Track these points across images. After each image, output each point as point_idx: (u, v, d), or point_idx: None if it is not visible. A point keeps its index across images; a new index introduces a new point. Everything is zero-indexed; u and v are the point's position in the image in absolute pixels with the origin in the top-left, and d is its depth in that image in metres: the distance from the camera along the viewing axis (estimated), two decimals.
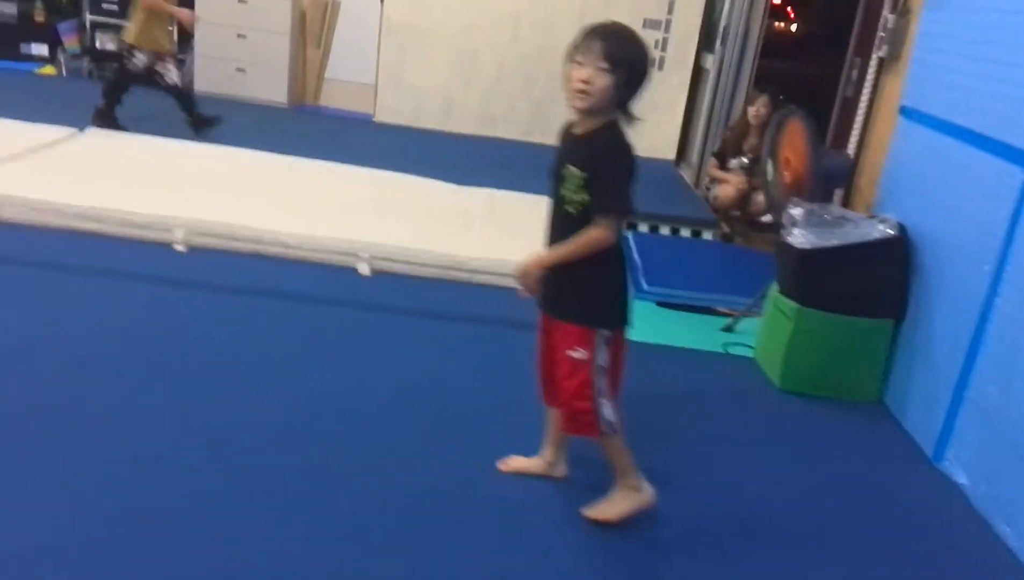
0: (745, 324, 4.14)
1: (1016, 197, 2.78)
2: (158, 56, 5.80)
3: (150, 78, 5.84)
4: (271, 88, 7.85)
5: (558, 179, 2.35)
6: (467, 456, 2.76)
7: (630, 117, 2.31)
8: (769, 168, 3.92)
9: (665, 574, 2.36)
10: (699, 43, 7.41)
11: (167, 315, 3.50)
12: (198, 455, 2.58)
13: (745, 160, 5.62)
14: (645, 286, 4.44)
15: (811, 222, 3.47)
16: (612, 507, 2.47)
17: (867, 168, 4.01)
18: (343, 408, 2.97)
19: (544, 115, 7.56)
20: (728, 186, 5.71)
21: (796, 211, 3.52)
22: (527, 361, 2.64)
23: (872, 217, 3.50)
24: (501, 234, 4.71)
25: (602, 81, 2.22)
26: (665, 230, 5.78)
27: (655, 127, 7.66)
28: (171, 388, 2.94)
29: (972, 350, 2.91)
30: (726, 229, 5.87)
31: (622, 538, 2.43)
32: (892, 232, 3.38)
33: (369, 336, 3.59)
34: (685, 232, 5.81)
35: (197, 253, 4.17)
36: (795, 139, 3.84)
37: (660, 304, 4.36)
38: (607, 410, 2.38)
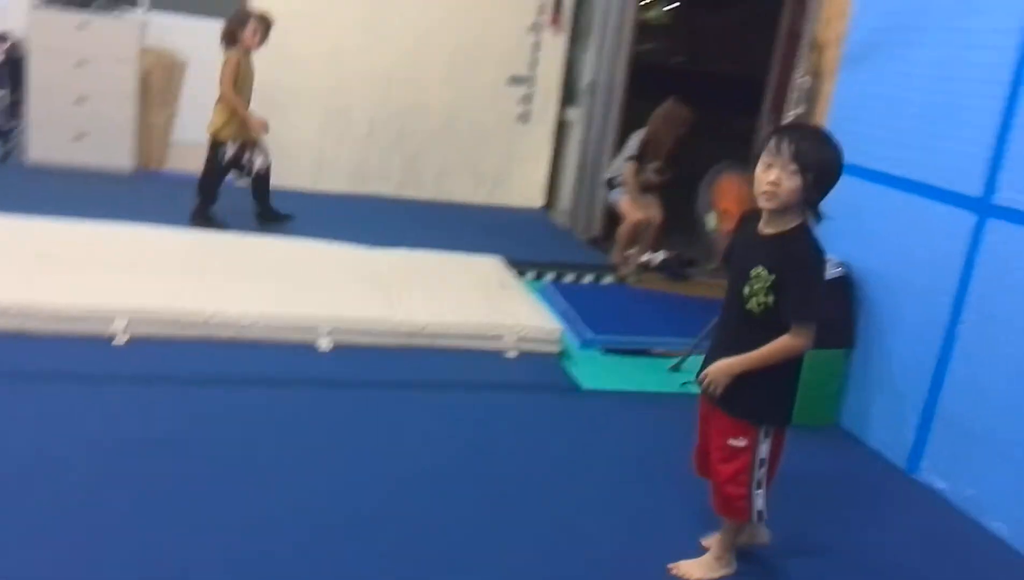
0: (690, 363, 4.44)
1: (969, 238, 3.25)
2: (244, 145, 5.78)
3: (237, 168, 5.88)
4: (114, 153, 7.35)
5: (742, 277, 2.41)
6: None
7: (818, 217, 2.41)
8: (710, 220, 4.26)
9: None
10: (561, 98, 7.81)
11: (141, 421, 3.26)
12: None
13: (656, 164, 6.18)
14: (591, 335, 4.63)
15: None
16: (702, 568, 2.62)
17: None
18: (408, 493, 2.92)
19: (416, 170, 7.67)
20: (638, 212, 6.05)
21: None
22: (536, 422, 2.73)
23: (828, 260, 3.90)
24: (444, 295, 4.74)
25: (791, 184, 2.30)
26: (570, 278, 6.04)
27: (522, 177, 7.99)
28: (180, 502, 2.74)
29: (939, 370, 3.35)
30: (621, 271, 6.23)
31: None
32: (839, 271, 3.79)
33: (372, 414, 3.53)
34: (588, 277, 6.10)
35: (139, 344, 3.88)
36: (733, 191, 4.20)
37: (606, 351, 4.59)
38: (760, 500, 2.52)
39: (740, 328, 2.43)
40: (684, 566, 2.64)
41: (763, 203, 2.37)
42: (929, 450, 3.38)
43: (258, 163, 5.87)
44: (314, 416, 3.43)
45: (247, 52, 5.71)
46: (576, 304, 5.04)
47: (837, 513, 3.12)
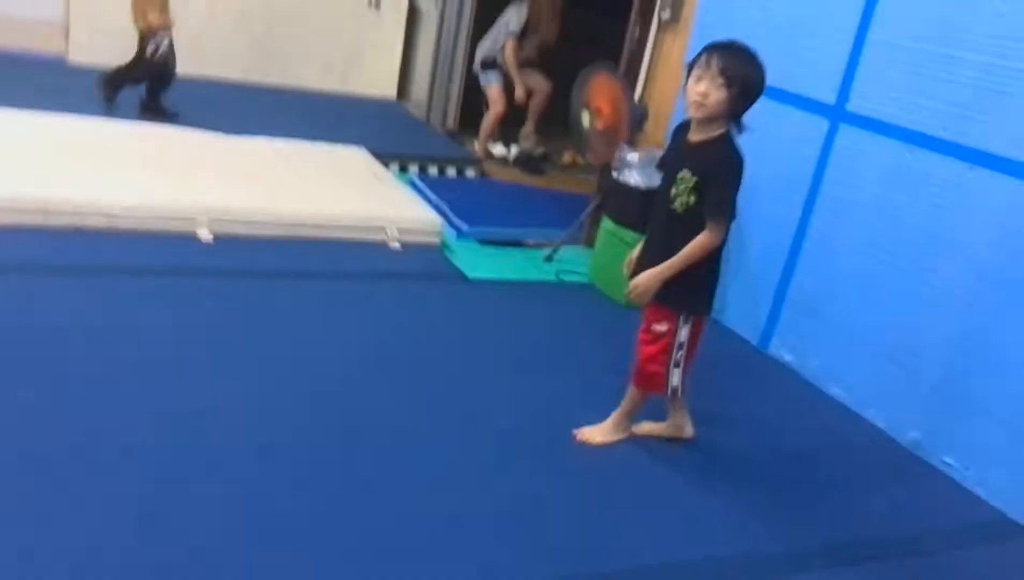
0: (562, 253, 4.72)
1: (822, 141, 3.65)
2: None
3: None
4: None
5: (669, 179, 2.64)
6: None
7: (741, 128, 2.62)
8: (584, 117, 4.47)
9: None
10: None
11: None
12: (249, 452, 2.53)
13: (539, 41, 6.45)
14: (465, 228, 4.80)
15: (643, 165, 4.11)
16: (663, 427, 3.02)
17: (653, 116, 4.73)
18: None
19: (263, 54, 7.35)
20: (501, 104, 6.36)
21: (631, 156, 4.14)
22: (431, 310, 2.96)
23: None
24: (321, 186, 4.73)
25: (718, 95, 2.52)
26: (433, 170, 6.12)
27: (374, 65, 7.84)
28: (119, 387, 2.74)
29: (791, 258, 3.79)
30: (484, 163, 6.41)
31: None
32: None
33: (269, 304, 3.56)
34: (451, 171, 6.21)
35: (7, 233, 3.66)
36: (606, 90, 4.42)
37: (481, 242, 4.78)
38: (676, 378, 2.82)
39: (668, 227, 2.69)
40: (586, 431, 2.94)
41: (692, 112, 2.60)
42: (779, 328, 3.86)
43: (166, 54, 5.63)
44: (210, 307, 3.42)
45: None
46: (446, 197, 5.17)
47: (706, 384, 3.51)
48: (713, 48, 2.57)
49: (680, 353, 2.82)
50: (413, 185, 5.44)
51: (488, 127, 6.58)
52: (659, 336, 2.80)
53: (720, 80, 2.52)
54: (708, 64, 2.54)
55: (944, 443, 3.14)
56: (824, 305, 3.65)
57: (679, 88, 4.47)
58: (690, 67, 2.61)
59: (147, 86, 5.72)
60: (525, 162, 6.76)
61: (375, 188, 4.94)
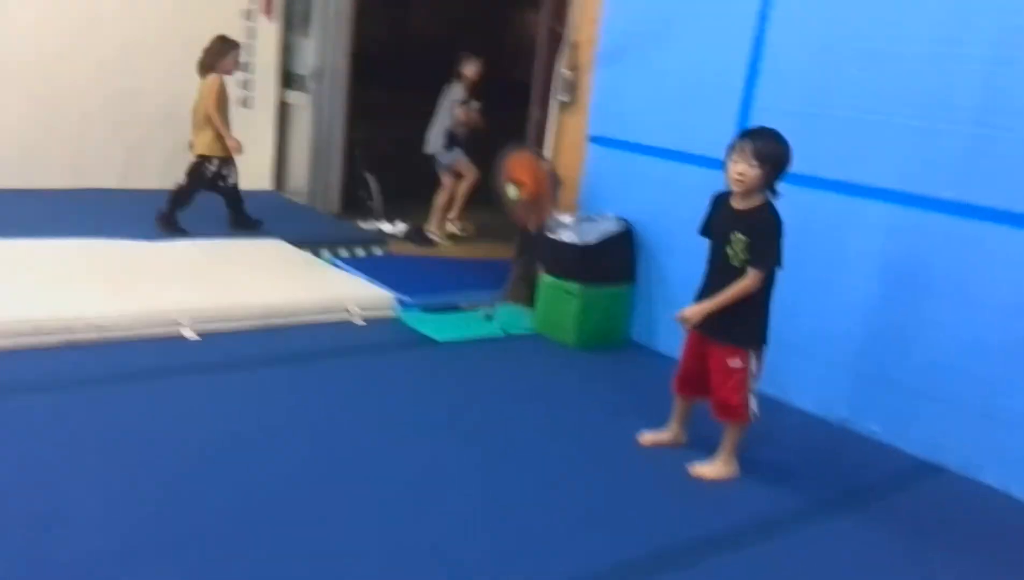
0: (499, 312, 5.27)
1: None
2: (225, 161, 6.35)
3: (213, 183, 6.36)
4: None
5: (724, 240, 3.26)
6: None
7: (776, 193, 3.25)
8: (511, 190, 5.08)
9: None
10: (280, 82, 8.05)
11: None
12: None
13: (476, 103, 7.16)
14: (408, 300, 5.24)
15: (576, 225, 4.78)
16: (716, 470, 3.45)
17: (563, 184, 5.43)
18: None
19: (141, 160, 7.46)
20: (473, 172, 7.09)
21: (565, 219, 4.81)
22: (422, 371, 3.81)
23: (605, 216, 4.93)
24: (268, 278, 5.04)
25: (753, 173, 3.16)
26: (345, 253, 6.50)
27: (249, 161, 8.07)
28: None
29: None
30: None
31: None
32: (622, 227, 4.86)
33: (273, 389, 3.89)
34: (360, 251, 6.61)
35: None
36: (526, 165, 5.07)
37: (426, 309, 5.24)
38: (753, 404, 3.38)
39: (724, 276, 3.30)
40: (701, 469, 3.45)
41: (735, 188, 3.24)
42: None
43: (232, 177, 6.46)
44: (216, 399, 3.71)
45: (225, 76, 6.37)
46: (373, 274, 5.59)
47: (657, 404, 4.15)
48: (745, 134, 3.24)
49: (754, 382, 3.40)
50: (337, 267, 5.82)
51: (461, 200, 7.34)
52: (734, 371, 3.35)
53: (754, 161, 3.16)
54: (743, 149, 3.17)
55: (868, 415, 3.97)
56: None
57: (581, 160, 5.25)
58: (728, 151, 3.24)
59: (232, 203, 6.53)
60: (414, 236, 7.29)
61: (314, 274, 5.31)
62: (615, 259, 4.86)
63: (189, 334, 4.25)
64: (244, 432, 3.38)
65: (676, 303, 4.71)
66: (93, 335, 4.00)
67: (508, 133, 5.73)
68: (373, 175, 7.94)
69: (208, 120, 6.23)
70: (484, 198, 7.29)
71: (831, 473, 3.58)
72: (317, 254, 6.29)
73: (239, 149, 6.37)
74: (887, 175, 3.87)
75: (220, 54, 6.29)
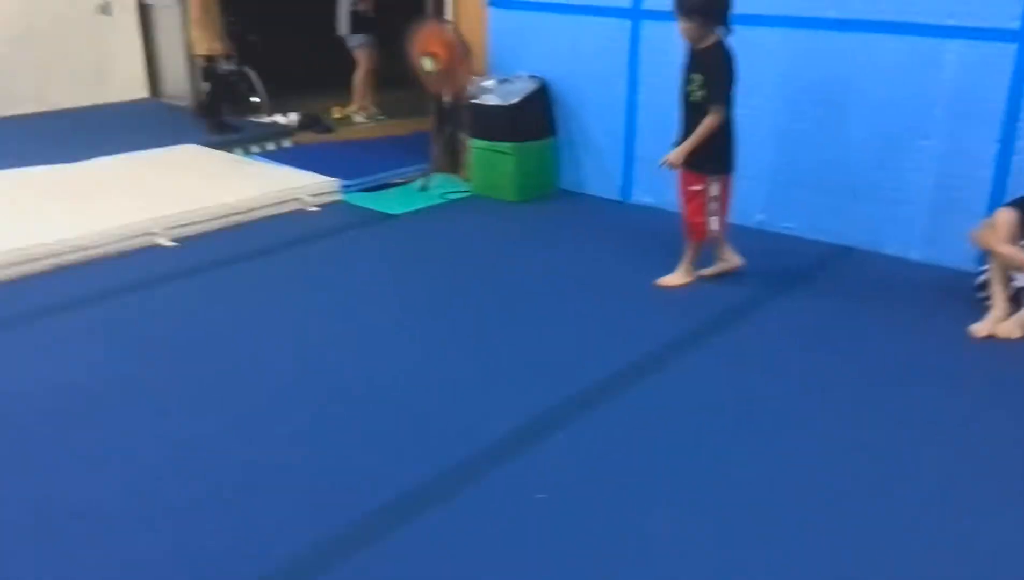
0: (432, 181, 5.62)
1: (630, 36, 4.91)
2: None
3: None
4: None
5: (686, 80, 3.68)
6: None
7: (728, 31, 3.64)
8: (427, 63, 5.33)
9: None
10: None
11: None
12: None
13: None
14: (346, 182, 5.49)
15: (498, 88, 5.14)
16: (676, 278, 4.02)
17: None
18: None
19: (5, 85, 7.12)
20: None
21: (487, 83, 5.16)
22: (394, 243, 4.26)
23: (519, 76, 5.29)
24: (211, 180, 5.16)
25: (688, 26, 3.60)
26: (256, 149, 6.57)
27: (120, 70, 7.82)
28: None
29: (629, 130, 5.08)
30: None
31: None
32: (538, 85, 5.25)
33: (261, 280, 4.20)
34: (270, 145, 6.69)
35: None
36: (437, 36, 5.33)
37: (362, 190, 5.52)
38: (713, 224, 3.90)
39: (689, 115, 3.76)
40: (664, 280, 4.02)
41: (687, 40, 3.70)
42: (636, 180, 5.17)
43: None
44: (216, 295, 3.99)
45: None
46: (299, 165, 5.78)
47: (599, 236, 4.72)
48: None
49: (714, 204, 3.90)
50: (263, 162, 5.96)
51: (360, 83, 7.49)
52: (695, 195, 3.89)
53: (684, 16, 3.65)
54: (676, 6, 3.65)
55: (782, 215, 4.67)
56: (659, 153, 4.97)
57: (483, 26, 5.53)
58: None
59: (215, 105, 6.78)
60: (311, 125, 7.38)
61: (255, 171, 5.45)
62: (538, 116, 5.27)
63: (165, 242, 4.42)
64: (267, 316, 3.70)
65: (598, 150, 5.28)
66: (79, 256, 4.12)
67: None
68: (252, 69, 7.89)
69: (195, 21, 6.61)
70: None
71: (763, 267, 4.25)
72: (231, 153, 6.37)
73: (221, 50, 6.75)
74: (778, 4, 4.43)
75: None
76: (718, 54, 3.71)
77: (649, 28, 4.89)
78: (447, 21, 5.52)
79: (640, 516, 2.40)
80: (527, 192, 5.29)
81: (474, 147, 5.39)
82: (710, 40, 3.71)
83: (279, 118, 7.48)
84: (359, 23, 7.37)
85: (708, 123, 3.71)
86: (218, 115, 6.78)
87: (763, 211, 4.73)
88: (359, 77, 7.51)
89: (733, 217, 4.82)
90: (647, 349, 3.42)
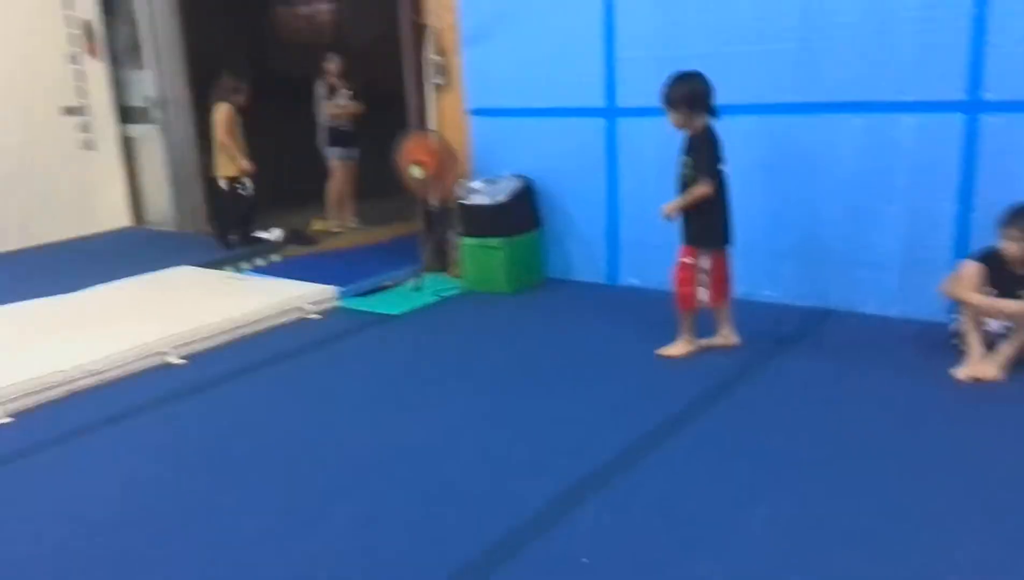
0: (424, 282, 5.83)
1: (605, 133, 5.25)
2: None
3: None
4: None
5: (681, 164, 4.01)
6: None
7: (716, 116, 3.99)
8: (415, 171, 5.61)
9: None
10: (119, 118, 8.01)
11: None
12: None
13: (346, 91, 7.60)
14: (343, 289, 5.67)
15: (485, 188, 5.43)
16: (677, 349, 4.25)
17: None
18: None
19: None
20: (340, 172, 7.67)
21: (475, 184, 5.44)
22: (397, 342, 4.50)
23: (503, 177, 5.59)
24: (211, 298, 5.33)
25: (676, 116, 3.96)
26: (247, 266, 6.75)
27: (103, 201, 8.02)
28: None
29: (612, 217, 5.37)
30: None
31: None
32: (523, 183, 5.55)
33: (274, 390, 4.33)
34: (260, 262, 6.88)
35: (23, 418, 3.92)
36: (423, 146, 5.63)
37: (357, 295, 5.70)
38: (702, 294, 4.14)
39: (683, 189, 4.07)
40: (666, 350, 4.24)
41: (677, 128, 4.03)
42: (622, 264, 5.42)
43: (248, 190, 7.30)
44: (235, 405, 4.10)
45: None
46: (293, 277, 5.95)
47: (593, 316, 4.94)
48: (663, 87, 4.01)
49: (703, 276, 4.15)
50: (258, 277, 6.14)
51: (332, 197, 7.95)
52: (686, 267, 4.14)
53: (671, 108, 3.99)
54: (663, 100, 4.00)
55: (762, 284, 4.93)
56: (645, 238, 5.25)
57: (464, 133, 5.86)
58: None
59: (241, 223, 7.31)
60: (295, 239, 7.61)
61: (252, 285, 5.62)
62: (524, 211, 5.55)
63: (175, 360, 4.53)
64: (287, 423, 3.82)
65: (583, 239, 5.56)
66: (92, 381, 4.21)
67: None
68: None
69: (222, 146, 7.13)
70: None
71: (752, 333, 4.46)
72: (223, 270, 6.55)
73: (249, 169, 7.20)
74: (741, 91, 4.77)
75: (232, 89, 7.16)
76: (703, 136, 4.06)
77: (624, 124, 5.23)
78: (431, 130, 5.84)
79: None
80: (518, 283, 5.52)
81: (465, 245, 5.64)
82: (698, 124, 4.04)
83: (263, 234, 7.72)
84: (336, 137, 7.74)
85: (697, 190, 4.03)
86: (239, 231, 7.26)
87: (745, 282, 4.99)
88: (332, 189, 7.82)
89: None
90: (659, 416, 3.60)
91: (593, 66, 5.25)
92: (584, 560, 2.58)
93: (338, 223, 8.05)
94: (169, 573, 2.71)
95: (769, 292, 4.94)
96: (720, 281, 4.25)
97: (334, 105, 7.58)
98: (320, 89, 7.54)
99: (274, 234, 7.69)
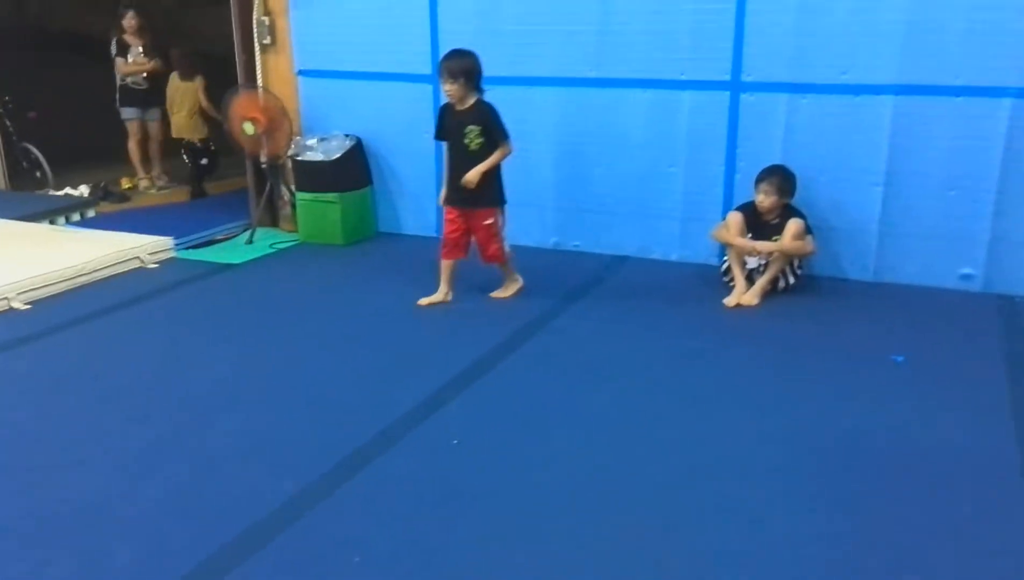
0: (257, 235, 6.11)
1: (432, 97, 5.78)
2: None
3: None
4: None
5: (461, 136, 4.39)
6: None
7: (482, 91, 4.41)
8: (247, 128, 5.86)
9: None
10: None
11: None
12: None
13: (140, 49, 7.60)
14: (176, 241, 5.84)
15: (320, 146, 5.80)
16: (507, 291, 4.79)
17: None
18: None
19: None
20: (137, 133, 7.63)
21: (310, 141, 5.79)
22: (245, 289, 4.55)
23: (335, 135, 5.98)
24: (42, 248, 5.34)
25: (455, 87, 4.34)
26: (62, 220, 6.66)
27: None
28: None
29: (439, 177, 5.88)
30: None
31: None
32: (353, 140, 5.97)
33: (132, 331, 4.58)
34: (76, 217, 6.80)
35: None
36: (255, 103, 5.89)
37: (189, 248, 5.90)
38: (506, 247, 4.67)
39: (468, 161, 4.50)
40: (497, 293, 4.78)
41: (453, 101, 4.46)
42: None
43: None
44: (88, 346, 4.31)
45: None
46: (118, 229, 6.04)
47: (426, 268, 5.46)
48: (442, 60, 4.48)
49: (504, 231, 4.72)
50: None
51: (134, 157, 7.91)
52: (489, 228, 4.66)
53: (450, 78, 4.42)
54: (441, 71, 4.44)
55: (571, 236, 5.70)
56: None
57: (293, 92, 6.18)
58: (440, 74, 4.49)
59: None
60: (106, 196, 7.55)
61: (84, 237, 5.66)
62: (357, 168, 6.00)
63: (19, 305, 4.60)
64: (145, 363, 4.09)
65: (412, 195, 6.09)
66: None
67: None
68: (32, 144, 7.91)
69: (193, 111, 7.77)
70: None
71: (563, 277, 5.22)
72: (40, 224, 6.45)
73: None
74: (547, 66, 5.50)
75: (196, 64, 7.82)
76: (487, 107, 4.52)
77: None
78: (262, 88, 6.10)
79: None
80: (352, 235, 5.97)
81: (300, 199, 5.99)
82: (472, 99, 4.49)
83: (69, 190, 7.57)
84: (130, 96, 7.70)
85: (501, 153, 4.52)
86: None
87: (556, 234, 5.76)
88: (132, 148, 7.80)
89: (532, 241, 5.82)
90: (499, 337, 4.24)
91: (420, 36, 5.76)
92: (455, 442, 3.18)
93: (147, 182, 8.02)
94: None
95: (577, 242, 5.74)
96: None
97: (126, 63, 7.55)
98: (113, 46, 7.48)
99: (80, 190, 7.59)
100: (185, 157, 7.89)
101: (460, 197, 4.62)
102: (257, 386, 3.74)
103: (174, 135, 7.87)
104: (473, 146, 4.51)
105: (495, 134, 4.52)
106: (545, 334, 4.34)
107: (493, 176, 4.61)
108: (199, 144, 7.85)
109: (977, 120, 4.66)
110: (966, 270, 4.86)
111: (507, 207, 4.82)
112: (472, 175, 4.52)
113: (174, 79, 7.80)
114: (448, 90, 4.45)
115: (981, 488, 2.89)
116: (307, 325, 4.51)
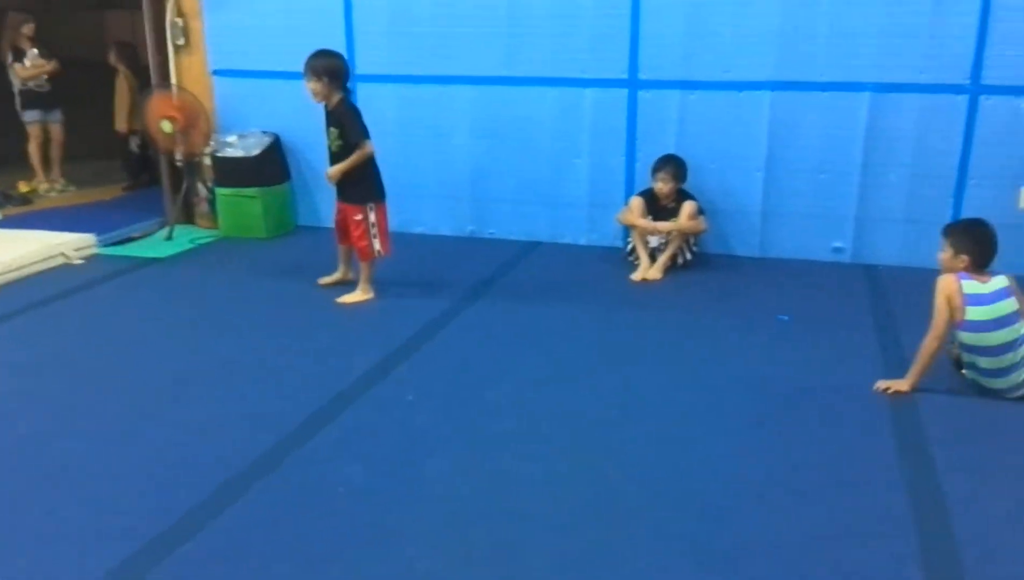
0: (175, 232, 6.23)
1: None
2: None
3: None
4: None
5: (327, 136, 4.55)
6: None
7: (347, 91, 4.55)
8: (166, 126, 5.97)
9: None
10: None
11: None
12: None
13: (35, 51, 7.48)
14: (99, 238, 5.90)
15: (239, 142, 5.99)
16: (355, 296, 4.93)
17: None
18: None
19: None
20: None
21: (229, 138, 5.96)
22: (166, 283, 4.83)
23: (253, 133, 6.16)
24: None
25: (317, 87, 4.45)
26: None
27: None
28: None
29: None
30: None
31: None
32: (272, 137, 6.17)
33: (78, 316, 4.64)
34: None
35: None
36: (172, 102, 6.02)
37: (113, 244, 5.97)
38: (376, 245, 4.76)
39: (332, 158, 4.62)
40: (346, 298, 4.89)
41: (315, 99, 4.56)
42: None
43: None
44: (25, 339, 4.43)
45: None
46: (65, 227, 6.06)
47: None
48: (307, 58, 4.51)
49: (375, 229, 4.82)
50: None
51: (34, 159, 7.77)
52: (359, 223, 4.74)
53: (313, 77, 4.47)
54: (307, 70, 4.49)
55: (486, 224, 6.09)
56: (388, 187, 6.17)
57: (207, 92, 6.34)
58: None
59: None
60: (6, 201, 7.43)
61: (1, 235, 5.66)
62: (276, 163, 6.22)
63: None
64: (75, 352, 4.24)
65: (329, 190, 6.27)
66: None
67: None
68: None
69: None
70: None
71: (482, 262, 5.60)
72: None
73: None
74: (464, 66, 5.88)
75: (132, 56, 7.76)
76: (346, 109, 4.58)
77: (363, 88, 6.08)
78: (177, 87, 6.22)
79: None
80: (274, 230, 6.18)
81: (221, 195, 6.15)
82: (336, 98, 4.55)
83: None
84: (31, 99, 7.62)
85: (359, 154, 4.54)
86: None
87: (472, 223, 6.15)
88: (33, 152, 7.71)
89: (450, 230, 6.19)
90: (435, 312, 4.58)
91: (335, 37, 6.01)
92: (409, 398, 3.52)
93: (47, 185, 7.92)
94: None
95: (492, 230, 6.13)
96: (384, 232, 4.82)
97: (23, 68, 7.48)
98: (8, 53, 7.41)
99: None
100: (135, 148, 7.85)
101: (337, 191, 4.80)
102: (207, 370, 3.94)
103: (125, 128, 7.83)
104: (334, 148, 4.61)
105: (351, 136, 4.53)
106: (471, 310, 4.71)
107: (361, 175, 4.64)
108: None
109: (841, 112, 5.34)
110: (837, 244, 5.55)
111: (388, 202, 4.86)
112: (332, 172, 4.65)
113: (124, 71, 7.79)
114: (311, 88, 4.49)
115: (856, 413, 3.46)
116: (245, 313, 4.73)
